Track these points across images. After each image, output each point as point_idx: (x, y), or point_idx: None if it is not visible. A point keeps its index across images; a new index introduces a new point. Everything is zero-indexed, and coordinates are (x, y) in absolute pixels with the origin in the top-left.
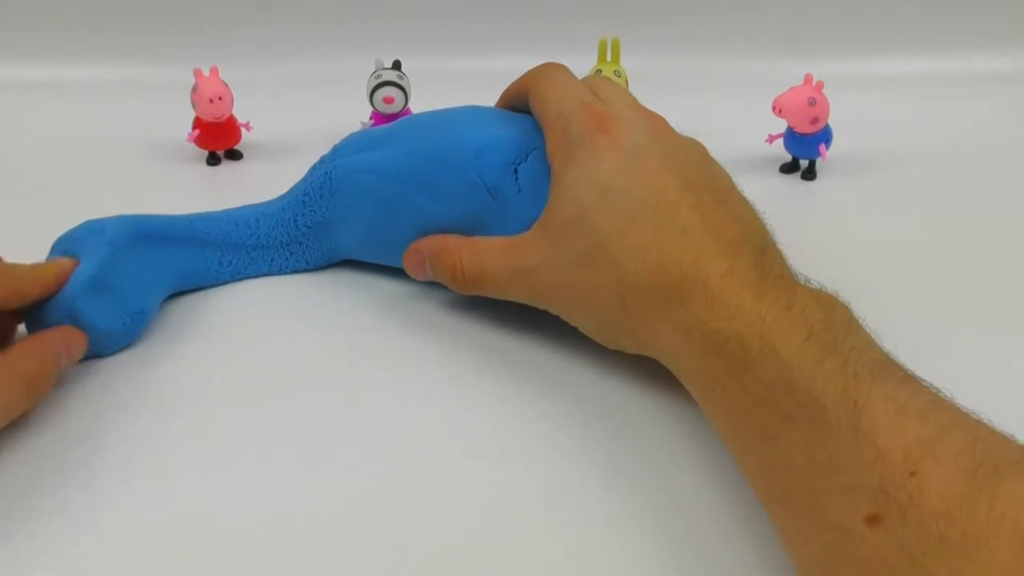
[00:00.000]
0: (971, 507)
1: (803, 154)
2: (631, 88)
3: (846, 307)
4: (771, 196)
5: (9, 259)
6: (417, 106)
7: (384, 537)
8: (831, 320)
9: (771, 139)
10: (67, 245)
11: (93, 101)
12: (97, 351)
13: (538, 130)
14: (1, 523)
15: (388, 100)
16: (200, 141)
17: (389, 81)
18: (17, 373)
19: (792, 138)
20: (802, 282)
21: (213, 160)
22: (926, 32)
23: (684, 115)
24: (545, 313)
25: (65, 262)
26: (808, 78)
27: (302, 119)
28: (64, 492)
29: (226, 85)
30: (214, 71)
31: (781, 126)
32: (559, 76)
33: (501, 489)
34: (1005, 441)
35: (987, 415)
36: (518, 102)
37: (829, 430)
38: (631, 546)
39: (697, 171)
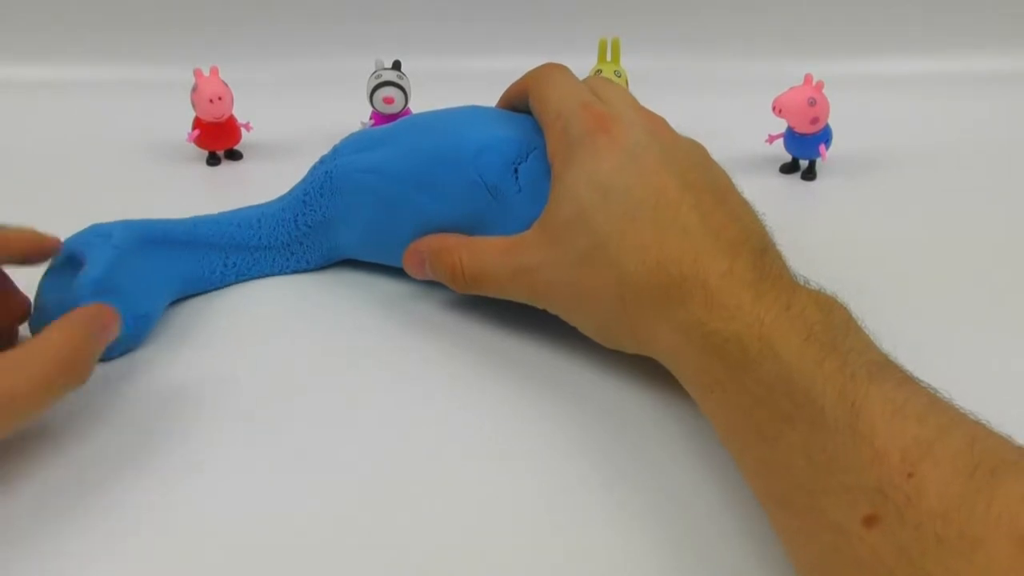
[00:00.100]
0: (969, 508)
1: (803, 154)
2: (631, 88)
3: (845, 308)
4: (771, 196)
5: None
6: (417, 106)
7: (384, 537)
8: (830, 321)
9: (771, 139)
10: (73, 248)
11: (93, 101)
12: (102, 354)
13: (538, 130)
14: (7, 528)
15: (388, 100)
16: (200, 141)
17: (389, 81)
18: (46, 352)
19: (792, 138)
20: (801, 283)
21: (213, 160)
22: (926, 32)
23: (684, 115)
24: (545, 313)
25: (47, 238)
26: (808, 78)
27: (302, 119)
28: (66, 492)
29: (226, 85)
30: (214, 71)
31: (781, 126)
32: (560, 76)
33: (501, 489)
34: (1003, 442)
35: (987, 415)
36: (519, 102)
37: (827, 431)
38: (631, 546)
39: (697, 171)
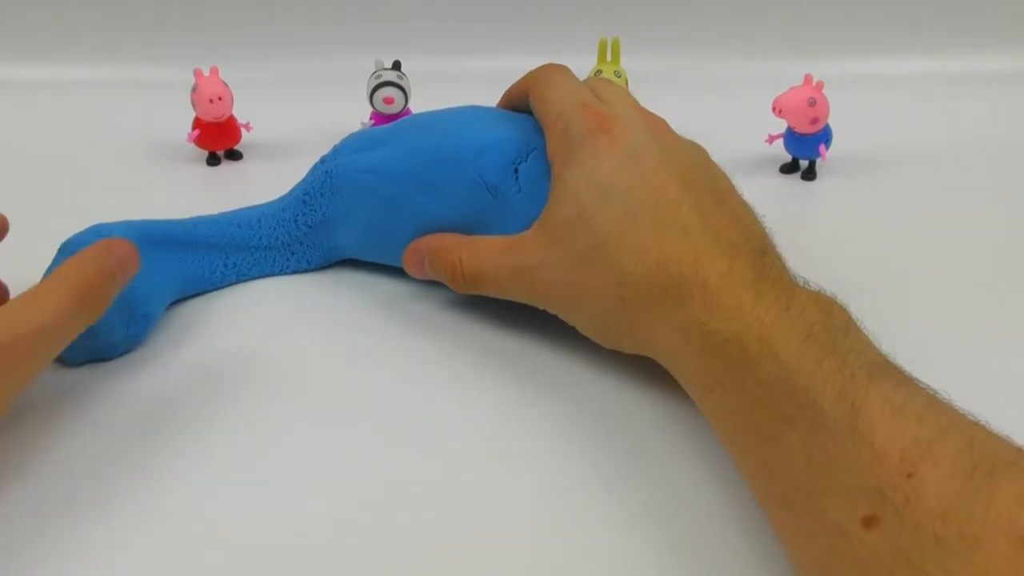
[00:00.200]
0: (968, 508)
1: (803, 154)
2: (631, 88)
3: (844, 309)
4: (771, 196)
5: (9, 259)
6: (417, 106)
7: (384, 537)
8: (830, 321)
9: (771, 139)
10: (74, 248)
11: (93, 101)
12: (102, 354)
13: (538, 130)
14: (7, 528)
15: (388, 100)
16: (200, 141)
17: (389, 81)
18: (64, 283)
19: (792, 138)
20: (801, 284)
21: (213, 160)
22: (926, 32)
23: (684, 115)
24: (545, 313)
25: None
26: (808, 78)
27: (302, 119)
28: (66, 492)
29: (226, 85)
30: (214, 71)
31: (781, 126)
32: (560, 77)
33: (501, 489)
34: (1002, 442)
35: (986, 416)
36: (519, 103)
37: (827, 431)
38: (631, 546)
39: (697, 172)
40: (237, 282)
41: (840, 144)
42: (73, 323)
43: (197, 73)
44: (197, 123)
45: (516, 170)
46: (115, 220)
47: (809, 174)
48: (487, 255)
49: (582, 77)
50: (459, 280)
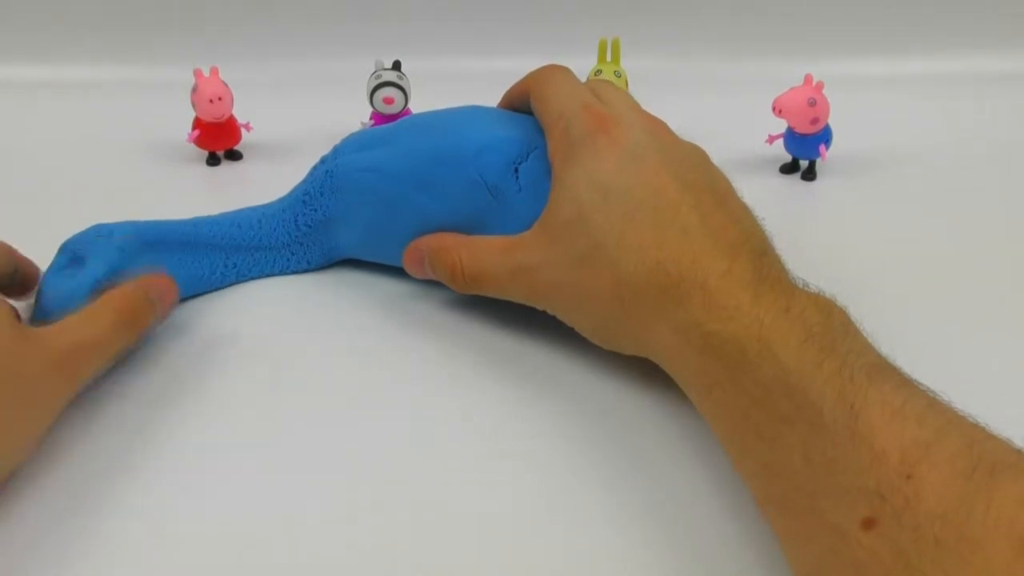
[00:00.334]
0: (967, 510)
1: (803, 154)
2: (631, 89)
3: (843, 310)
4: (771, 196)
5: None
6: (417, 106)
7: (384, 537)
8: (829, 323)
9: (771, 139)
10: (75, 248)
11: (93, 101)
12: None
13: (539, 130)
14: (8, 529)
15: (388, 100)
16: (200, 141)
17: (389, 81)
18: (111, 306)
19: (792, 138)
20: (800, 286)
21: (213, 160)
22: (926, 32)
23: (684, 116)
24: (545, 313)
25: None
26: (808, 78)
27: (302, 119)
28: (66, 492)
29: (226, 85)
30: (214, 71)
31: (781, 126)
32: (561, 77)
33: (501, 489)
34: (1002, 444)
35: (986, 416)
36: (520, 103)
37: (826, 432)
38: (631, 546)
39: (697, 173)
40: (237, 282)
41: (840, 144)
42: (118, 342)
43: (197, 73)
44: (197, 123)
45: (516, 170)
46: (115, 220)
47: (809, 174)
48: (487, 255)
49: (582, 77)
50: (459, 280)
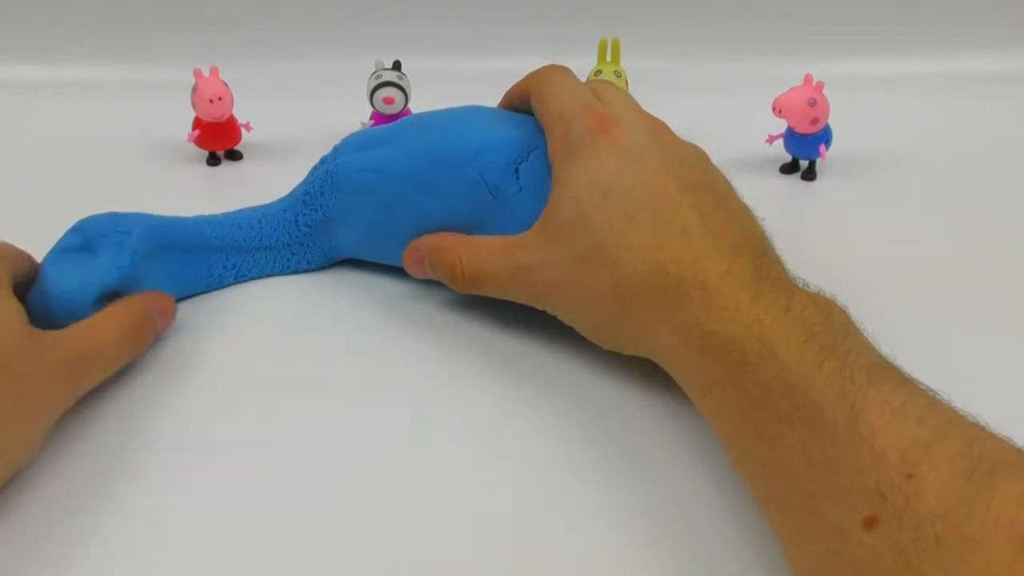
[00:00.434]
0: (967, 509)
1: (803, 154)
2: (631, 89)
3: (844, 310)
4: (771, 197)
5: None
6: (417, 106)
7: (384, 537)
8: (829, 323)
9: (771, 139)
10: (90, 234)
11: (93, 101)
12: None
13: (539, 130)
14: (9, 530)
15: (388, 100)
16: (200, 141)
17: (389, 82)
18: (115, 319)
19: (792, 138)
20: (800, 285)
21: (213, 160)
22: (926, 32)
23: (684, 116)
24: (545, 313)
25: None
26: (808, 78)
27: (302, 119)
28: (66, 492)
29: (226, 85)
30: (214, 71)
31: (781, 126)
32: (561, 78)
33: (501, 489)
34: (1002, 443)
35: (986, 416)
36: (520, 103)
37: (826, 432)
38: (631, 546)
39: (697, 173)
40: (237, 282)
41: (840, 144)
42: (122, 357)
43: (197, 73)
44: (197, 123)
45: (517, 170)
46: (134, 212)
47: (809, 174)
48: (487, 255)
49: (582, 77)
50: (459, 280)
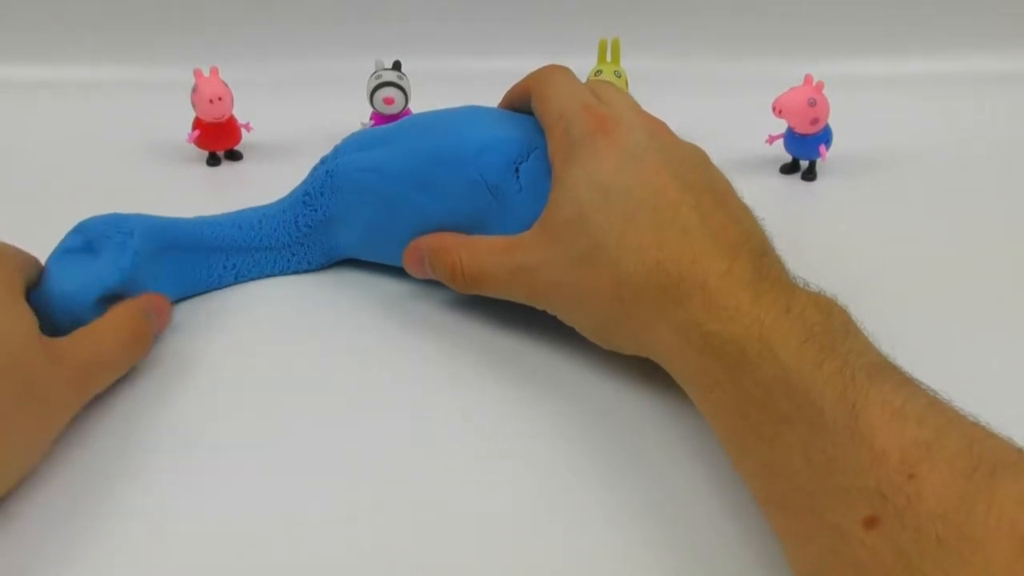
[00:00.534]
0: (968, 509)
1: (803, 155)
2: (631, 89)
3: (844, 310)
4: (771, 197)
5: None
6: (417, 106)
7: (384, 537)
8: (829, 323)
9: (771, 140)
10: (91, 235)
11: (93, 101)
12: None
13: (539, 130)
14: (9, 531)
15: (388, 101)
16: (200, 141)
17: (389, 82)
18: (116, 323)
19: (792, 139)
20: (800, 285)
21: (213, 161)
22: (926, 32)
23: (684, 116)
24: (545, 313)
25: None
26: (808, 78)
27: (302, 119)
28: (66, 493)
29: (226, 85)
30: (214, 71)
31: (781, 127)
32: (562, 78)
33: (501, 489)
34: (1002, 443)
35: (986, 416)
36: (520, 103)
37: (826, 432)
38: (631, 546)
39: (697, 173)
40: (237, 282)
41: (840, 144)
42: (127, 361)
43: (197, 73)
44: (197, 123)
45: (517, 170)
46: (135, 213)
47: (809, 174)
48: (487, 255)
49: (582, 77)
50: (459, 280)
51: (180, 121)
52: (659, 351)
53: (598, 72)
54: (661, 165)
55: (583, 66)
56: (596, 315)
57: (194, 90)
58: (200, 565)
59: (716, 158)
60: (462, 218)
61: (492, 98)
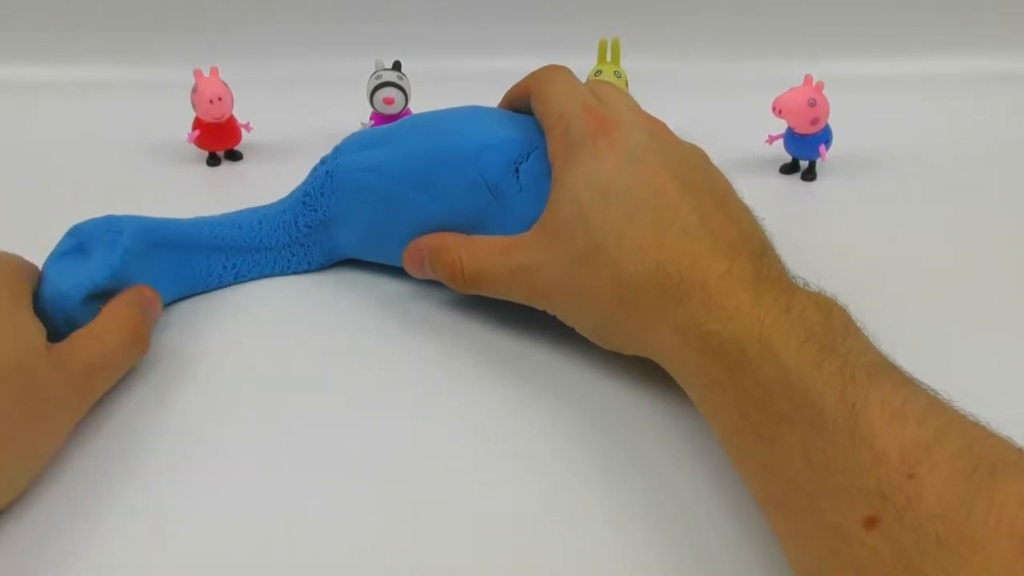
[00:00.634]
0: (968, 509)
1: (803, 155)
2: (631, 89)
3: (844, 310)
4: (771, 197)
5: None
6: (417, 106)
7: (384, 537)
8: (829, 323)
9: (771, 140)
10: (83, 238)
11: (93, 101)
12: None
13: (539, 130)
14: (10, 532)
15: (388, 101)
16: (200, 142)
17: (389, 82)
18: (116, 321)
19: (792, 139)
20: (800, 285)
21: (213, 161)
22: (926, 32)
23: (684, 116)
24: (545, 313)
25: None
26: (808, 78)
27: (302, 119)
28: (66, 492)
29: (226, 86)
30: (214, 71)
31: (781, 127)
32: (562, 78)
33: (501, 489)
34: (1002, 443)
35: (987, 416)
36: (520, 103)
37: (826, 432)
38: (631, 546)
39: (697, 173)
40: (237, 282)
41: (840, 144)
42: (127, 360)
43: (197, 73)
44: (197, 123)
45: (517, 170)
46: (129, 214)
47: (809, 174)
48: (487, 255)
49: (582, 77)
50: (459, 280)
51: (180, 121)
52: (659, 351)
53: (598, 72)
54: (661, 165)
55: (583, 66)
56: (596, 315)
57: (194, 90)
58: (200, 565)
59: (716, 158)
60: (462, 218)
61: (492, 98)
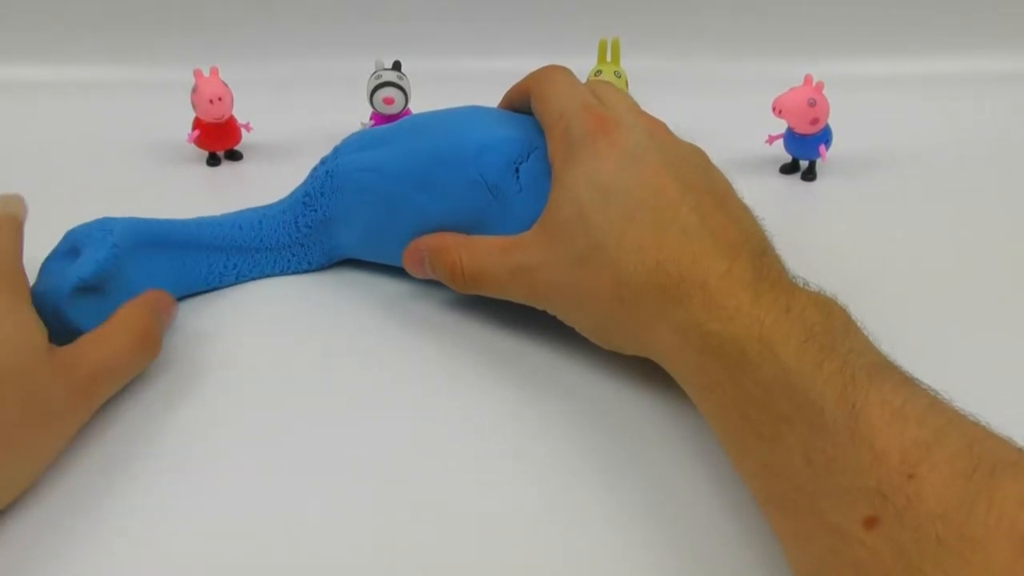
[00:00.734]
0: (968, 509)
1: (803, 155)
2: (631, 89)
3: (844, 310)
4: (771, 197)
5: None
6: (417, 106)
7: (384, 537)
8: (829, 323)
9: (771, 140)
10: (76, 239)
11: (93, 101)
12: None
13: (539, 130)
14: (10, 532)
15: (388, 101)
16: (200, 142)
17: (389, 82)
18: (125, 325)
19: (792, 139)
20: (800, 285)
21: (213, 161)
22: (926, 32)
23: (684, 116)
24: (545, 313)
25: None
26: (808, 78)
27: (302, 119)
28: (67, 493)
29: (226, 86)
30: (214, 71)
31: (781, 127)
32: (562, 78)
33: (501, 489)
34: (1002, 443)
35: (987, 416)
36: (520, 103)
37: (826, 432)
38: (631, 546)
39: (697, 173)
40: (238, 282)
41: (840, 144)
42: (135, 365)
43: (197, 74)
44: (197, 123)
45: (517, 170)
46: (124, 216)
47: (809, 174)
48: (487, 255)
49: (582, 77)
50: (459, 280)
51: (180, 121)
52: (659, 351)
53: (598, 72)
54: (661, 166)
55: (583, 66)
56: (596, 315)
57: (194, 90)
58: (200, 565)
59: (716, 158)
60: (462, 218)
61: (492, 98)
